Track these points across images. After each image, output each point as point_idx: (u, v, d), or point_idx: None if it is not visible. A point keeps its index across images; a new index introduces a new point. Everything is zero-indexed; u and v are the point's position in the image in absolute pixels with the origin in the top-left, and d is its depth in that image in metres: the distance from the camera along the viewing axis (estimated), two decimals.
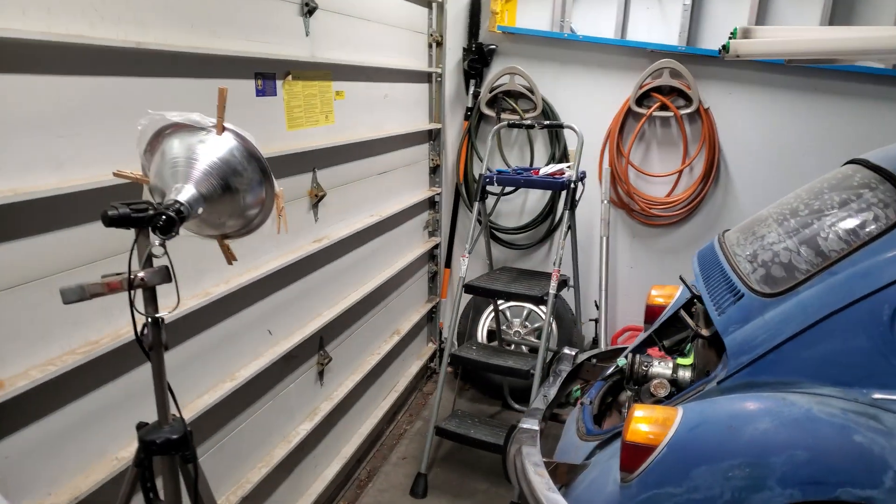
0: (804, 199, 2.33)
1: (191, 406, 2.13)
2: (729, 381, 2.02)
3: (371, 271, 3.50)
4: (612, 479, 2.08)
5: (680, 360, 2.56)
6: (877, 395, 1.79)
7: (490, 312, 4.43)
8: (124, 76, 1.74)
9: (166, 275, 1.20)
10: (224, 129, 1.28)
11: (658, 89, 3.91)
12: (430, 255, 4.60)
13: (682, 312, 2.53)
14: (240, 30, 2.23)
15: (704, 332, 2.35)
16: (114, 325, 1.78)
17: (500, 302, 4.15)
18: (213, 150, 1.27)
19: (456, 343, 4.59)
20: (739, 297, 2.09)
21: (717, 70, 3.80)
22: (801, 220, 2.19)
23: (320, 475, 3.15)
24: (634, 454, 1.97)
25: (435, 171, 4.45)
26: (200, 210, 1.22)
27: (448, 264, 4.69)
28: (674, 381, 2.47)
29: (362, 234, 3.26)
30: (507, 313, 4.41)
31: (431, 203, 4.50)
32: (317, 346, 2.95)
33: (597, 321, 4.22)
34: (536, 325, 4.34)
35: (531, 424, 2.59)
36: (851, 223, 1.97)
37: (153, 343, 1.25)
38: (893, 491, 1.66)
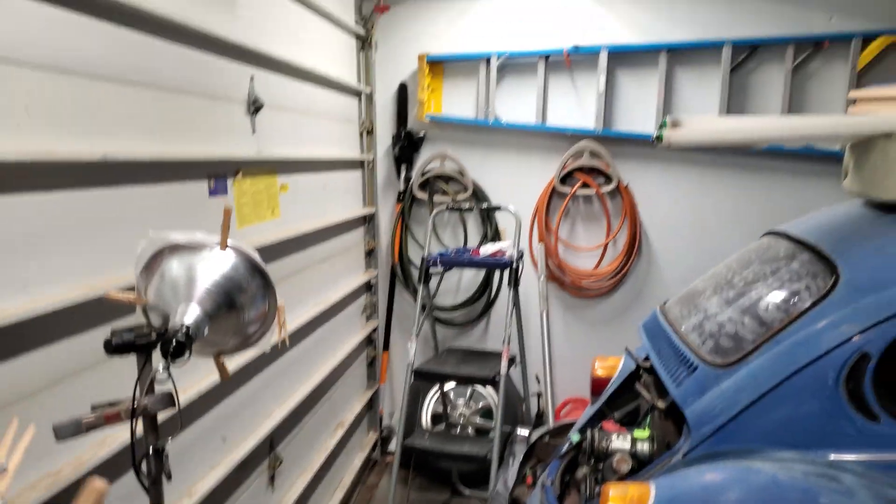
0: (737, 270, 2.51)
1: None
2: (693, 452, 2.10)
3: (317, 362, 3.43)
4: None
5: (637, 433, 2.63)
6: (832, 457, 1.91)
7: (432, 396, 4.40)
8: (89, 188, 1.70)
9: (170, 401, 1.16)
10: (227, 245, 1.27)
11: (580, 169, 4.14)
12: (369, 340, 4.56)
13: (638, 386, 2.62)
14: (194, 133, 2.24)
15: (661, 405, 2.44)
16: (75, 451, 1.67)
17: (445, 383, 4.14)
18: (215, 267, 1.26)
19: (399, 431, 4.52)
20: (693, 368, 2.19)
21: (634, 149, 4.08)
22: (738, 291, 2.35)
23: None
24: None
25: (370, 254, 4.48)
26: (206, 330, 1.19)
27: (386, 347, 4.65)
28: (633, 455, 2.53)
29: (307, 326, 3.21)
30: (451, 395, 4.39)
31: (368, 286, 4.50)
32: (268, 449, 2.84)
33: (540, 395, 4.28)
34: (481, 404, 4.35)
35: None
36: (788, 294, 2.13)
37: (155, 475, 1.18)
38: None
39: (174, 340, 1.10)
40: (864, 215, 2.29)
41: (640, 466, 2.51)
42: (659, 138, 2.16)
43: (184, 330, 1.13)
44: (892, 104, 2.10)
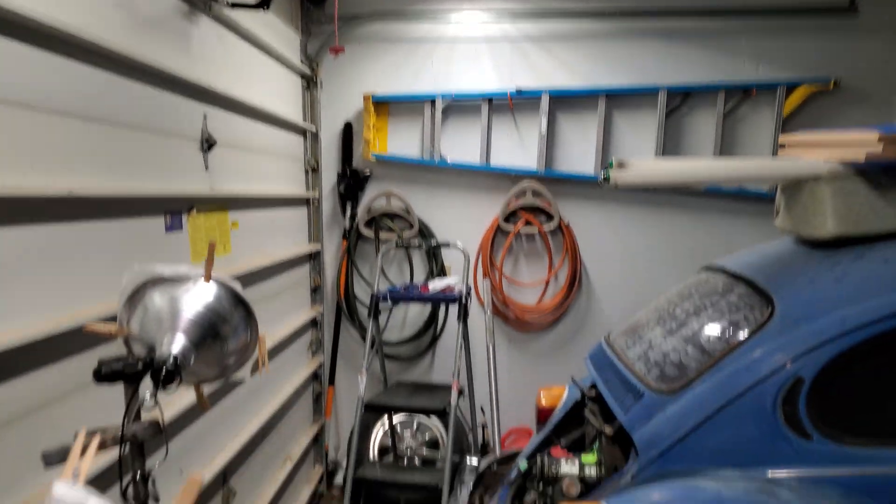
0: (678, 302, 2.65)
1: None
2: (642, 474, 2.18)
3: (266, 397, 3.39)
4: None
5: (585, 458, 2.71)
6: (770, 474, 2.03)
7: (379, 428, 4.37)
8: (51, 223, 1.67)
9: (157, 429, 1.15)
10: (211, 277, 1.28)
11: (523, 207, 4.28)
12: (315, 375, 4.51)
13: (586, 412, 2.70)
14: (151, 169, 2.23)
15: (608, 430, 2.53)
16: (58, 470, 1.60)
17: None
18: (199, 298, 1.26)
19: (346, 464, 4.46)
20: (640, 395, 2.29)
21: (574, 189, 4.25)
22: (681, 322, 2.48)
23: None
24: None
25: (316, 290, 4.46)
26: (192, 359, 1.19)
27: (332, 382, 4.61)
28: (582, 480, 2.61)
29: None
30: (398, 427, 4.38)
31: (314, 322, 4.47)
32: (221, 481, 2.78)
33: (485, 426, 4.32)
34: (427, 435, 4.35)
35: None
36: (727, 324, 2.27)
37: (143, 500, 1.17)
38: None
39: (164, 369, 1.10)
40: (796, 251, 2.47)
41: (587, 490, 2.58)
42: (606, 179, 2.28)
43: (172, 359, 1.14)
44: (817, 149, 2.30)
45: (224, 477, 2.80)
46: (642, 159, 2.39)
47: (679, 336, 2.41)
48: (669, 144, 4.07)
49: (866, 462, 2.00)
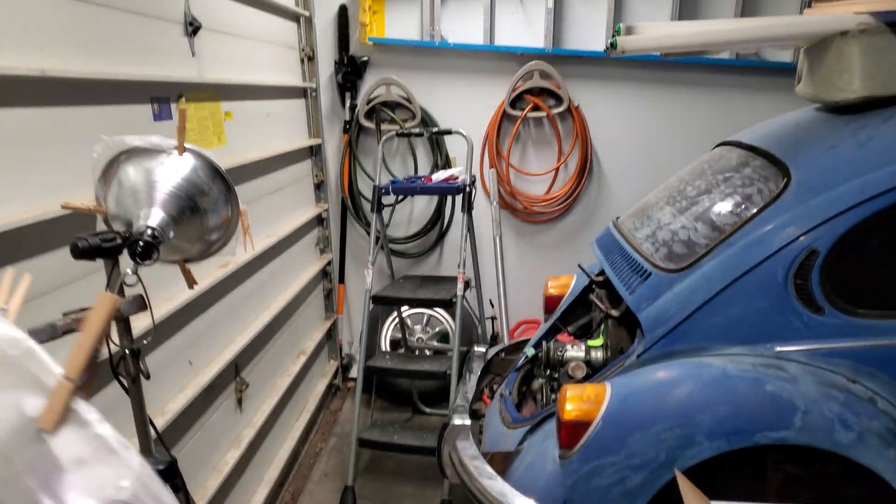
0: (689, 180, 2.57)
1: None
2: (647, 353, 2.19)
3: (274, 293, 3.42)
4: (551, 458, 2.19)
5: (590, 343, 2.73)
6: (779, 348, 2.02)
7: (390, 323, 4.44)
8: (24, 107, 1.60)
9: (142, 304, 1.14)
10: (185, 149, 1.23)
11: (530, 91, 4.13)
12: (324, 273, 4.54)
13: (592, 297, 2.70)
14: (132, 52, 2.12)
15: (614, 313, 2.53)
16: None
17: (402, 310, 4.18)
18: (174, 171, 1.22)
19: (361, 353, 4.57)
20: (647, 275, 2.27)
21: (584, 69, 4.08)
22: (691, 199, 2.42)
23: (249, 503, 3.03)
24: (572, 431, 2.08)
25: (320, 186, 4.41)
26: (171, 234, 1.16)
27: (342, 280, 4.65)
28: (588, 363, 2.64)
29: (262, 257, 3.18)
30: (408, 321, 4.45)
31: (320, 220, 4.45)
32: (233, 374, 2.85)
33: (494, 318, 4.37)
34: (437, 329, 4.42)
35: (462, 420, 2.65)
36: (739, 198, 2.21)
37: (134, 375, 1.18)
38: (803, 429, 1.88)
39: (141, 241, 1.07)
40: (816, 119, 2.36)
41: (594, 373, 2.61)
42: (613, 45, 2.15)
43: (149, 232, 1.11)
44: (847, 4, 2.14)
45: (236, 369, 2.86)
46: (652, 23, 2.25)
47: (689, 214, 2.36)
48: (685, 17, 3.86)
49: (880, 334, 1.98)
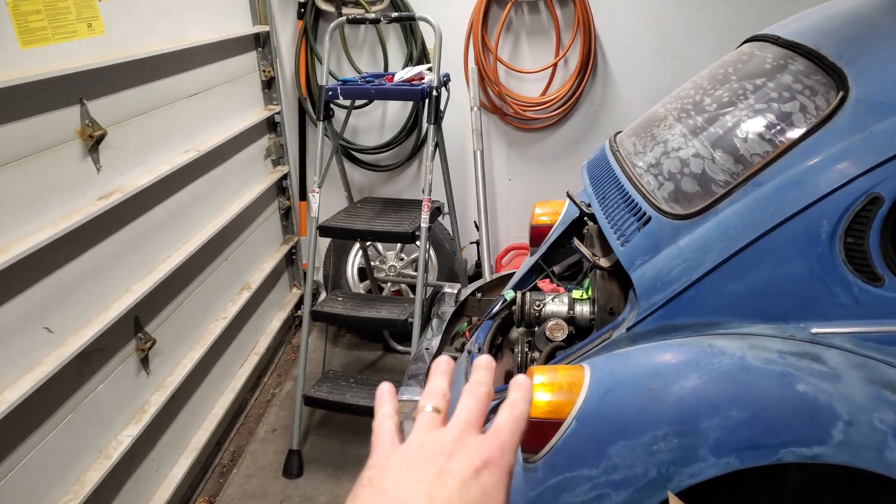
0: (707, 89, 2.00)
1: None
2: (640, 326, 1.71)
3: (197, 222, 2.91)
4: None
5: (575, 294, 2.24)
6: (816, 329, 1.53)
7: (358, 250, 3.97)
8: None
9: None
10: None
11: None
12: (280, 188, 4.03)
13: (576, 242, 2.18)
14: None
15: (603, 263, 2.02)
16: None
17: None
18: None
19: (323, 290, 4.14)
20: (645, 220, 1.75)
21: None
22: (709, 116, 1.86)
23: (165, 477, 2.67)
24: (538, 431, 1.63)
25: (270, 84, 3.82)
26: None
27: (303, 197, 4.14)
28: (571, 319, 2.16)
29: (174, 178, 2.65)
30: (379, 247, 3.97)
31: (272, 125, 3.88)
32: (132, 331, 2.40)
33: (478, 243, 3.88)
34: (413, 255, 3.94)
35: (412, 395, 2.20)
36: (775, 118, 1.64)
37: None
38: (843, 445, 1.42)
39: None
40: (885, 6, 1.75)
41: (579, 333, 2.15)
42: None
43: None
44: None
45: (136, 324, 2.41)
46: None
47: (705, 137, 1.80)
48: None
49: None
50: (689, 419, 1.49)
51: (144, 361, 2.47)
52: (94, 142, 2.14)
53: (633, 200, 1.85)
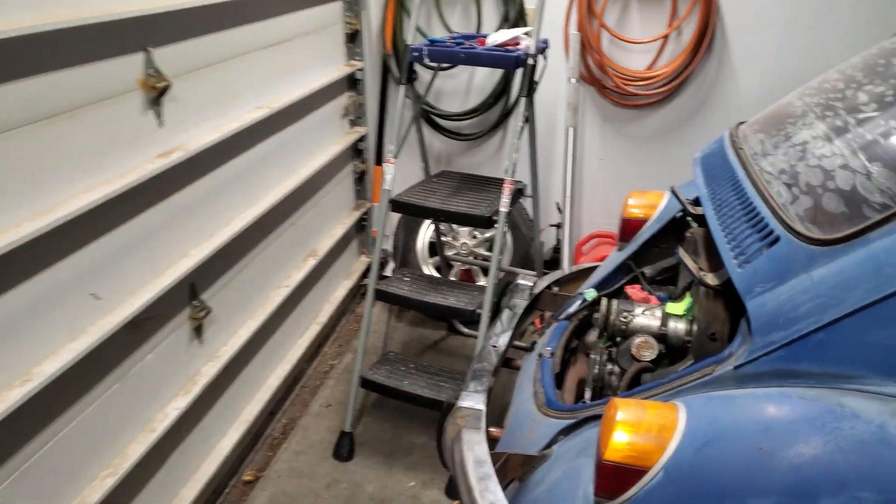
0: (862, 82, 1.67)
1: None
2: (751, 365, 1.45)
3: (264, 184, 2.77)
4: (583, 491, 1.54)
5: (670, 308, 1.99)
6: None
7: (431, 223, 3.78)
8: None
9: None
10: None
11: None
12: (356, 150, 3.86)
13: (680, 252, 1.91)
14: None
15: (711, 281, 1.76)
16: None
17: None
18: None
19: (392, 261, 3.99)
20: (772, 241, 1.48)
21: None
22: (864, 118, 1.55)
23: (213, 449, 2.60)
24: (615, 477, 1.41)
25: (353, 38, 3.62)
26: None
27: (379, 161, 3.97)
28: (662, 336, 1.91)
29: (243, 137, 2.50)
30: (452, 224, 3.77)
31: (352, 82, 3.70)
32: (187, 298, 2.29)
33: (559, 226, 3.63)
34: (487, 234, 3.72)
35: (473, 402, 2.01)
36: None
37: None
38: None
39: None
40: None
41: (669, 356, 1.90)
42: None
43: None
44: None
45: (191, 291, 2.30)
46: None
47: (858, 144, 1.50)
48: None
49: None
50: (805, 493, 1.24)
51: (198, 330, 2.37)
52: (157, 94, 2.00)
53: (757, 213, 1.57)
